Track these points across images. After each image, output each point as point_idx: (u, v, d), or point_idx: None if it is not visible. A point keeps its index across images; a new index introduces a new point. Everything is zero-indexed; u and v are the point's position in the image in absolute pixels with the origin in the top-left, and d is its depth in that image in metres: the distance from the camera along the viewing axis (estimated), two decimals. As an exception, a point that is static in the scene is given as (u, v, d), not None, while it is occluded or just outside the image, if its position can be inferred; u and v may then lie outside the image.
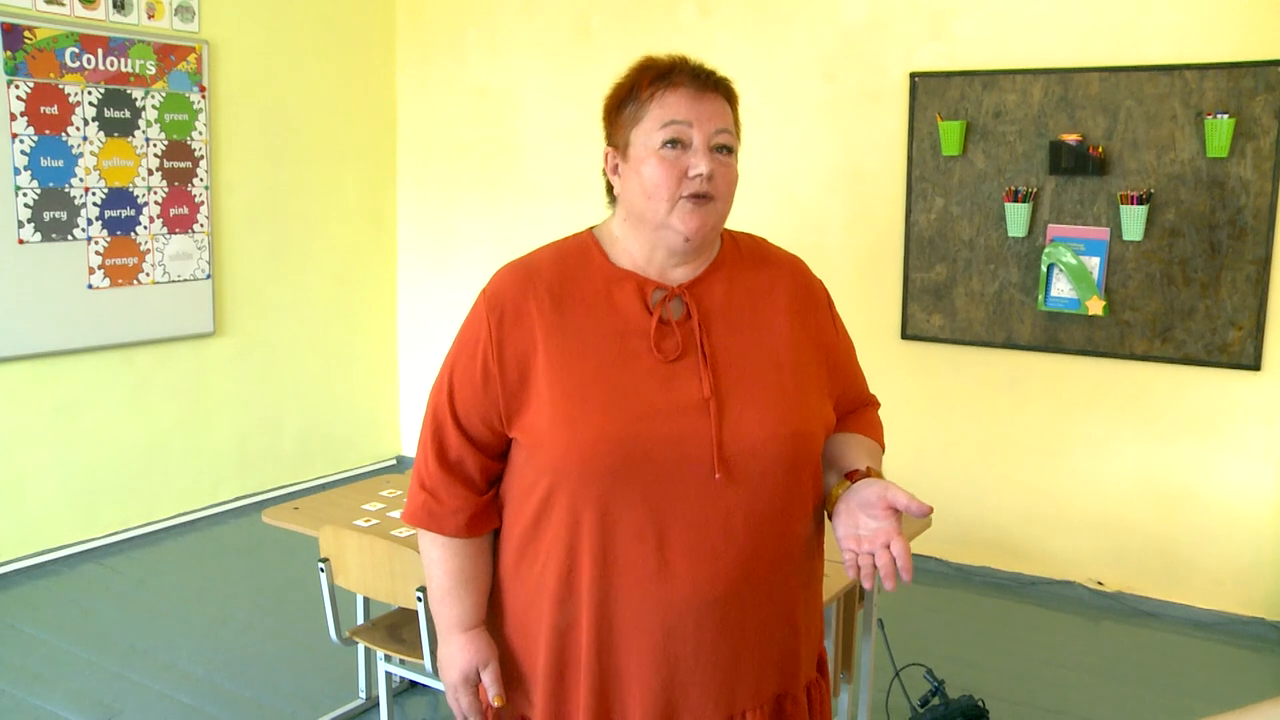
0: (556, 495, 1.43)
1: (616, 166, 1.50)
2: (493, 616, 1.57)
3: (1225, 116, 3.68)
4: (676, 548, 1.40)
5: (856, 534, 1.42)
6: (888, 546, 1.38)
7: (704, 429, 1.40)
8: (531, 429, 1.44)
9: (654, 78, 1.46)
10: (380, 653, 2.83)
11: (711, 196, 1.44)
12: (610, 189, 1.54)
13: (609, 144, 1.52)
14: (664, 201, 1.43)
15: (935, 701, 1.35)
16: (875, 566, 1.40)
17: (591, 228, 1.56)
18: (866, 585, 1.43)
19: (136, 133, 4.48)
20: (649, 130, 1.44)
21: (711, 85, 1.47)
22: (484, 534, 1.54)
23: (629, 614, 1.42)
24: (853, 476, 1.48)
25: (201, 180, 4.75)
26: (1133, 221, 3.86)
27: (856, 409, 1.67)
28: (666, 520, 1.40)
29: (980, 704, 1.32)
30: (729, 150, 1.47)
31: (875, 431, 1.66)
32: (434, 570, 1.55)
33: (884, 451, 1.66)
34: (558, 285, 1.47)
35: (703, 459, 1.39)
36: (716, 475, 1.39)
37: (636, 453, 1.38)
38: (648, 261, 1.49)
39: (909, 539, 2.88)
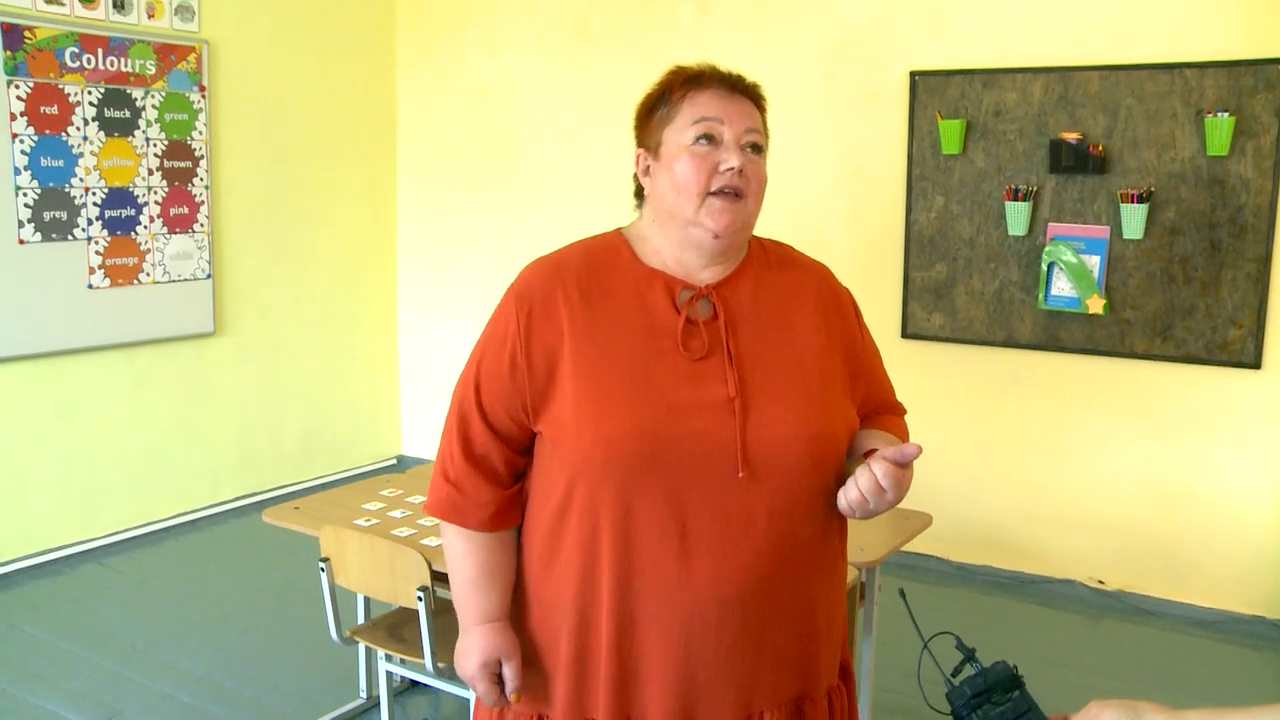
0: (579, 490, 1.44)
1: (648, 168, 1.53)
2: (515, 612, 1.57)
3: (1225, 115, 3.68)
4: (698, 545, 1.41)
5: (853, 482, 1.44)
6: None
7: (728, 427, 1.41)
8: (556, 422, 1.45)
9: (685, 80, 1.50)
10: (381, 652, 2.83)
11: (742, 193, 1.46)
12: (639, 191, 1.57)
13: (640, 146, 1.56)
14: (695, 197, 1.45)
15: (969, 670, 1.29)
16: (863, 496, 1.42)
17: (620, 228, 1.58)
18: (856, 510, 1.44)
19: (136, 133, 4.48)
20: (681, 128, 1.48)
21: (741, 88, 1.52)
22: (507, 529, 1.54)
23: (650, 610, 1.42)
24: (869, 455, 1.47)
25: (201, 180, 4.75)
26: (1133, 220, 3.86)
27: (882, 414, 1.67)
28: (689, 517, 1.40)
29: (1015, 669, 1.27)
30: (759, 149, 1.50)
31: (900, 433, 1.66)
32: (458, 563, 1.55)
33: None
34: (586, 281, 1.49)
35: (727, 457, 1.40)
36: (740, 474, 1.40)
37: (660, 449, 1.39)
38: (676, 262, 1.50)
39: (910, 537, 2.88)
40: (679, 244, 1.49)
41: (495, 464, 1.52)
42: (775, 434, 1.43)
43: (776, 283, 1.54)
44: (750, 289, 1.51)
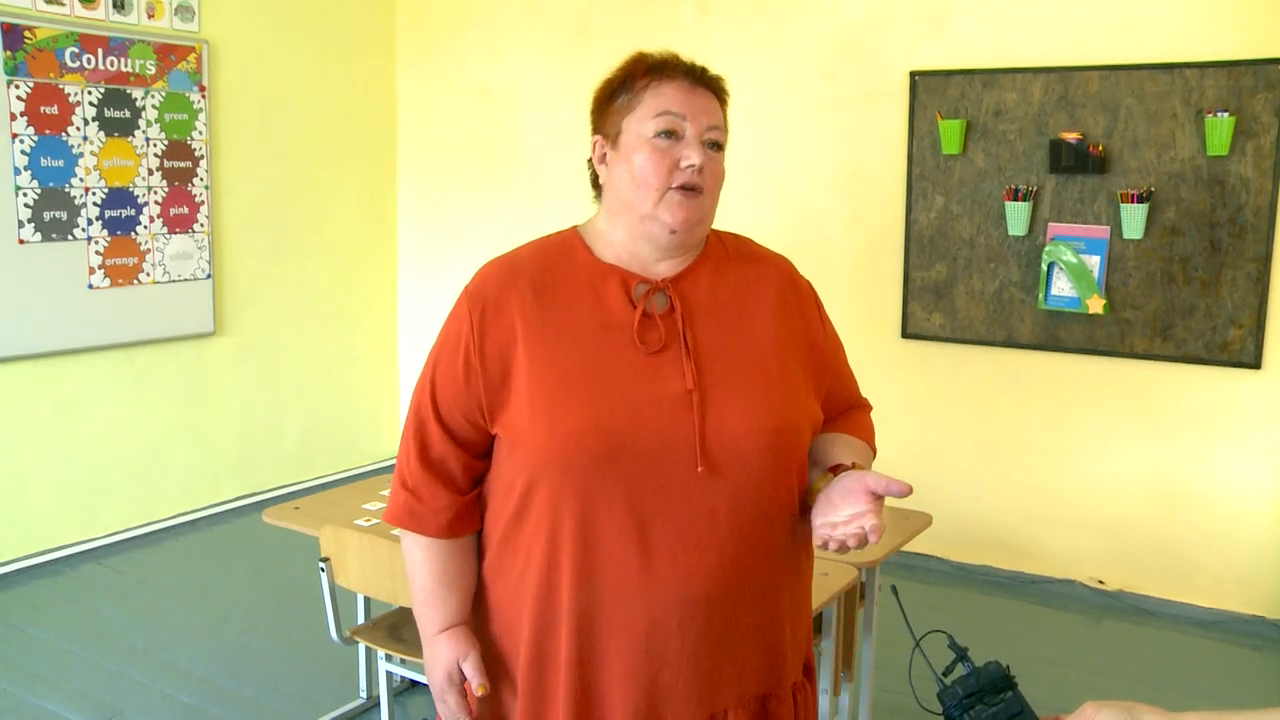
0: (537, 490, 1.41)
1: (605, 156, 1.50)
2: (475, 614, 1.55)
3: (1225, 115, 3.68)
4: (659, 543, 1.38)
5: (832, 520, 1.39)
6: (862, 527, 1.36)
7: (686, 422, 1.38)
8: (512, 424, 1.43)
9: (648, 69, 1.47)
10: (381, 652, 2.83)
11: (701, 190, 1.44)
12: (595, 180, 1.54)
13: (597, 133, 1.52)
14: (653, 191, 1.42)
15: (960, 670, 1.27)
16: (845, 542, 1.38)
17: (576, 225, 1.56)
18: (831, 548, 1.41)
19: (136, 133, 4.48)
20: (642, 119, 1.44)
21: (704, 81, 1.48)
22: (466, 535, 1.52)
23: (611, 610, 1.40)
24: (836, 470, 1.45)
25: (201, 180, 4.75)
26: (1133, 220, 3.86)
27: (847, 411, 1.64)
28: (649, 515, 1.38)
29: (1007, 669, 1.26)
30: (718, 147, 1.47)
31: (866, 433, 1.63)
32: (416, 572, 1.54)
33: (875, 455, 1.63)
34: (540, 279, 1.46)
35: (685, 452, 1.38)
36: (699, 469, 1.38)
37: (618, 446, 1.37)
38: (631, 255, 1.47)
39: (910, 537, 2.87)
40: (634, 236, 1.46)
41: (452, 469, 1.50)
42: (735, 427, 1.40)
43: (735, 276, 1.51)
44: (708, 281, 1.48)
